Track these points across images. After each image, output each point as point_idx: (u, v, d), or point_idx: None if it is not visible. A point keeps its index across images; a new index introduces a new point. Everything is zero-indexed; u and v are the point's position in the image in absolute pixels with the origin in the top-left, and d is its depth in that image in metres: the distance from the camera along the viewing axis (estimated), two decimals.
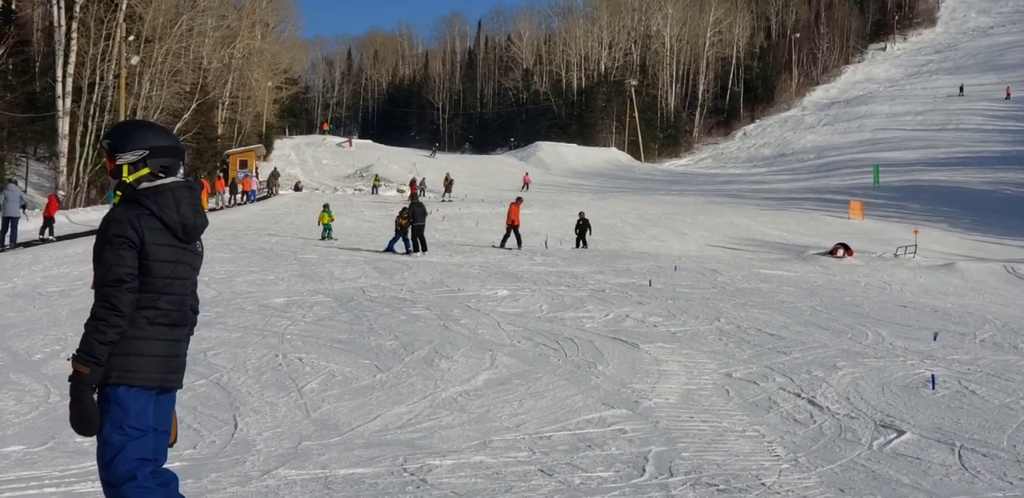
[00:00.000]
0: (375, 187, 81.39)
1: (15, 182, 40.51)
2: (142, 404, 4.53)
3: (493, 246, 37.69)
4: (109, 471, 4.50)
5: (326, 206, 39.86)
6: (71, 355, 4.50)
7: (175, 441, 5.09)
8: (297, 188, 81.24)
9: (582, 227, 42.00)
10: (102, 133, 56.96)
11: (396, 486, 8.39)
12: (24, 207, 32.93)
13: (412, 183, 73.28)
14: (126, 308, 4.39)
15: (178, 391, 10.65)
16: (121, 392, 4.48)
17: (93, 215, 40.84)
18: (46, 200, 37.72)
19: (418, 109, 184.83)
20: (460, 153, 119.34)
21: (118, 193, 4.69)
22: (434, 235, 39.30)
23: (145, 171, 4.66)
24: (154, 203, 4.56)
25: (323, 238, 37.36)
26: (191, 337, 5.05)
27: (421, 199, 67.28)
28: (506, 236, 37.86)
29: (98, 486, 8.01)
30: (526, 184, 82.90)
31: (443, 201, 68.89)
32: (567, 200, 69.35)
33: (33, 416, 10.54)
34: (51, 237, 33.63)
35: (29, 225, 34.80)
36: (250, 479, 8.48)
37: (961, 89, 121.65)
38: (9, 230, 31.31)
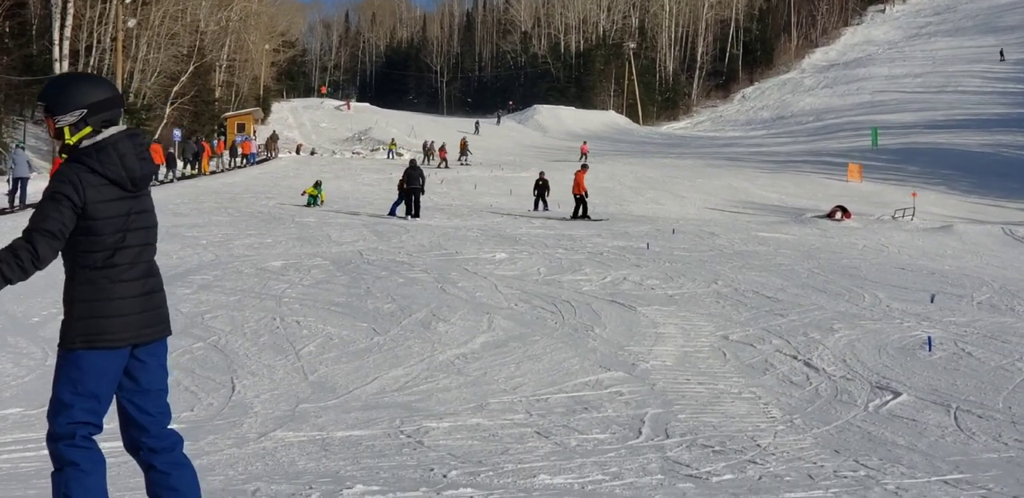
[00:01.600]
0: (391, 151, 79.11)
1: (23, 146, 40.64)
2: (105, 366, 4.48)
3: (565, 219, 35.10)
4: (51, 427, 4.50)
5: (318, 184, 37.87)
6: None
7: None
8: (298, 151, 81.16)
9: (541, 187, 40.56)
10: None
11: (393, 448, 8.42)
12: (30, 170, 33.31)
13: (441, 148, 70.50)
14: (44, 258, 4.30)
15: (175, 353, 10.68)
16: (82, 354, 4.44)
17: None
18: (51, 164, 38.00)
19: (416, 72, 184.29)
20: (497, 118, 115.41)
21: (62, 155, 4.59)
22: (432, 199, 39.26)
23: (87, 130, 4.52)
24: (97, 161, 4.43)
25: (309, 205, 36.27)
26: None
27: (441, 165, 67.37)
28: (577, 206, 35.76)
29: None
30: (584, 154, 76.48)
31: (461, 165, 68.53)
32: (566, 164, 69.23)
33: (31, 379, 10.56)
34: None
35: (37, 186, 34.92)
36: (247, 441, 8.51)
37: (1001, 53, 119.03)
38: (19, 190, 31.68)
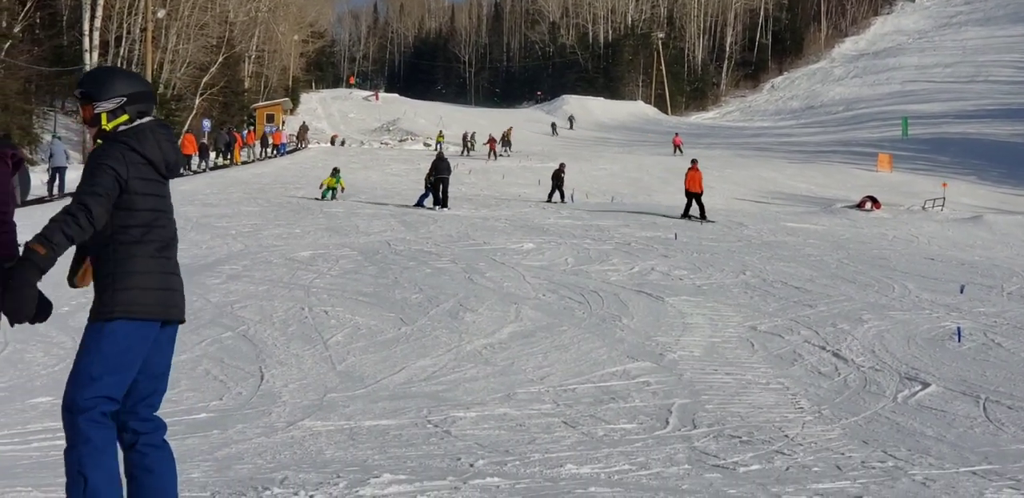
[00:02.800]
0: (439, 144, 75.22)
1: (60, 137, 41.08)
2: (139, 338, 4.52)
3: (681, 217, 31.95)
4: (72, 397, 4.50)
5: (336, 172, 35.85)
6: (27, 241, 4.44)
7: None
8: (333, 142, 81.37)
9: (559, 178, 39.04)
10: None
11: (420, 437, 8.44)
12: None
13: (491, 140, 69.33)
14: (98, 217, 4.39)
15: (204, 342, 10.75)
16: (119, 326, 4.47)
17: None
18: (82, 155, 38.51)
19: (444, 62, 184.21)
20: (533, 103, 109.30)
21: (98, 141, 4.69)
22: (460, 189, 39.25)
23: (124, 117, 4.67)
24: (136, 141, 4.58)
25: (323, 197, 34.33)
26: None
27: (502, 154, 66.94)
28: (689, 204, 32.42)
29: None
30: (677, 147, 72.50)
31: (503, 155, 68.17)
32: (594, 154, 69.13)
33: (60, 368, 10.61)
34: None
35: (73, 175, 35.39)
36: (276, 430, 8.55)
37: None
38: (57, 180, 32.23)
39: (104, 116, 4.66)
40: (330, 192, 34.61)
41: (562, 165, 40.31)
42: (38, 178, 31.60)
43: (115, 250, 4.54)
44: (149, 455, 4.67)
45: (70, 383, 4.56)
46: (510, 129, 77.50)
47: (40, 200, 29.63)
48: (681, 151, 67.37)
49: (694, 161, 34.91)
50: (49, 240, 4.35)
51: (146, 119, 4.76)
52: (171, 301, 4.68)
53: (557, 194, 38.39)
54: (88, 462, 4.45)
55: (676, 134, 78.30)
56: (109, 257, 4.55)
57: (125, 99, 4.68)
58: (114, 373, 4.50)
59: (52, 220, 4.41)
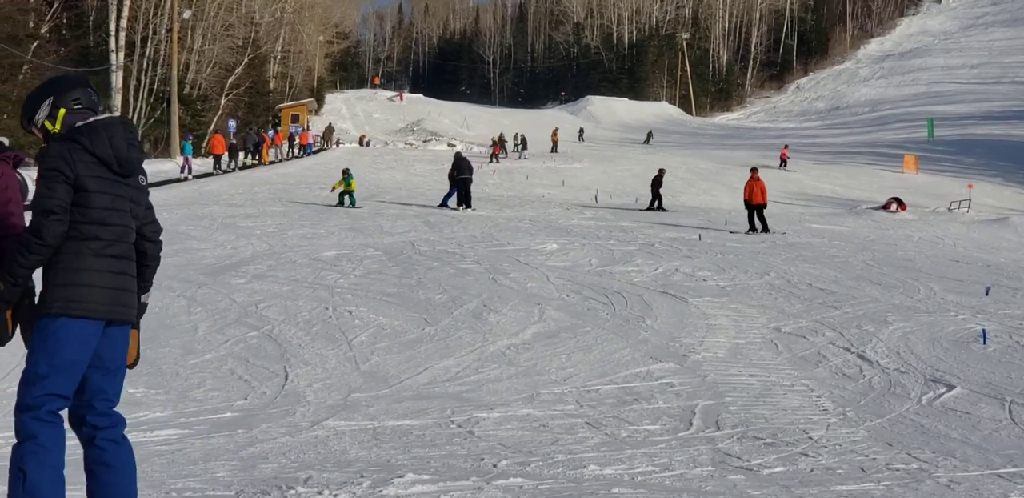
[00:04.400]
0: (517, 147, 73.59)
1: None
2: (82, 336, 4.53)
3: (745, 233, 29.17)
4: (21, 395, 4.52)
5: (346, 173, 32.51)
6: None
7: (135, 363, 5.06)
8: (361, 142, 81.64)
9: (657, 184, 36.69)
10: (155, 87, 57.33)
11: (444, 437, 8.45)
12: None
13: (495, 144, 68.54)
14: (51, 238, 4.42)
15: (229, 342, 10.77)
16: (60, 323, 4.48)
17: (151, 167, 40.98)
18: None
19: (469, 63, 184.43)
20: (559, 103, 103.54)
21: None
22: (484, 189, 39.30)
23: (62, 111, 4.69)
24: (87, 139, 4.58)
25: (340, 203, 31.52)
26: (154, 267, 4.99)
27: (522, 156, 66.48)
28: (750, 216, 29.77)
29: (144, 436, 8.15)
30: (783, 161, 62.66)
31: (523, 158, 67.92)
32: (618, 154, 69.09)
33: None
34: None
35: None
36: (300, 429, 8.57)
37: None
38: None
39: (47, 124, 4.69)
40: (346, 197, 31.81)
41: (661, 171, 38.12)
42: None
43: (63, 246, 4.54)
44: (108, 450, 4.68)
45: (21, 381, 4.58)
46: (556, 130, 77.53)
47: None
48: (786, 165, 60.15)
49: (754, 169, 32.08)
50: (8, 275, 4.43)
51: (103, 116, 4.75)
52: (117, 301, 4.64)
53: (657, 202, 36.34)
54: (30, 459, 4.44)
55: (785, 145, 66.35)
56: (58, 252, 4.55)
57: (51, 97, 4.71)
58: (60, 371, 4.51)
59: (13, 250, 4.46)
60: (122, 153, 4.68)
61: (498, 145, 66.38)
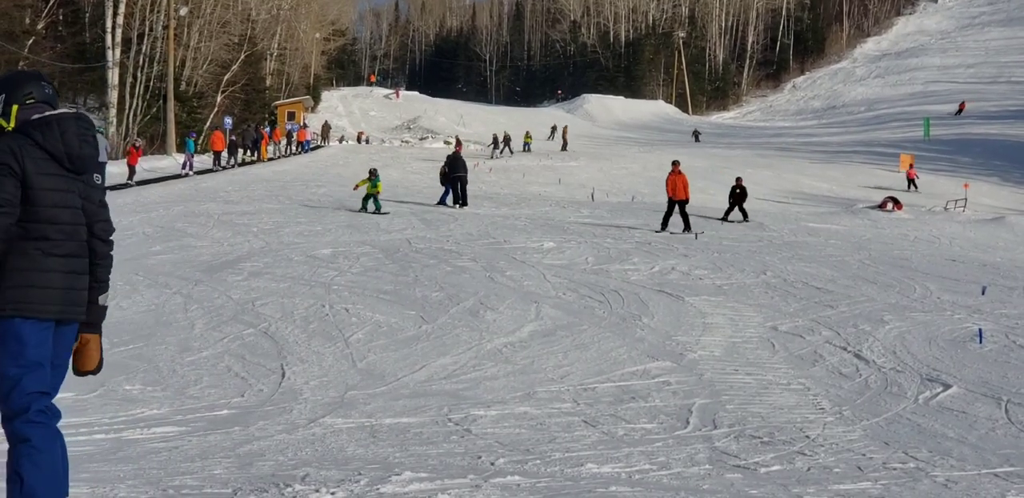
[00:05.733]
0: (526, 145, 72.48)
1: (103, 132, 41.53)
2: (40, 336, 4.50)
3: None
4: (6, 404, 4.48)
5: (373, 173, 29.77)
6: None
7: (99, 368, 5.04)
8: (359, 139, 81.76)
9: (739, 196, 32.50)
10: (151, 84, 57.25)
11: (441, 435, 8.46)
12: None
13: (458, 142, 68.27)
14: (5, 230, 4.37)
15: (225, 339, 10.77)
16: (17, 324, 4.44)
17: (148, 164, 40.94)
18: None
19: (465, 61, 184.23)
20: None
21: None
22: (480, 187, 39.29)
23: (15, 107, 4.62)
24: (39, 133, 4.51)
25: (363, 208, 28.77)
26: (107, 266, 4.92)
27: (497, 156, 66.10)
28: (669, 214, 27.68)
29: (141, 433, 8.15)
30: (911, 181, 53.06)
31: (500, 157, 67.91)
32: (614, 152, 69.04)
33: None
34: (131, 182, 35.68)
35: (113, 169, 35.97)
36: (297, 427, 8.57)
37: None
38: None
39: (1, 121, 4.63)
40: (370, 201, 28.85)
41: (739, 180, 33.54)
42: None
43: (13, 246, 4.49)
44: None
45: None
46: (565, 128, 77.49)
47: None
48: (916, 186, 52.26)
49: (675, 163, 29.74)
50: None
51: (59, 110, 4.69)
52: (69, 301, 4.60)
53: (737, 212, 32.24)
54: (25, 462, 4.39)
55: (911, 166, 55.89)
56: (8, 252, 4.50)
57: (3, 95, 4.64)
58: (31, 369, 4.47)
59: None
60: (74, 149, 4.59)
61: (460, 144, 65.11)
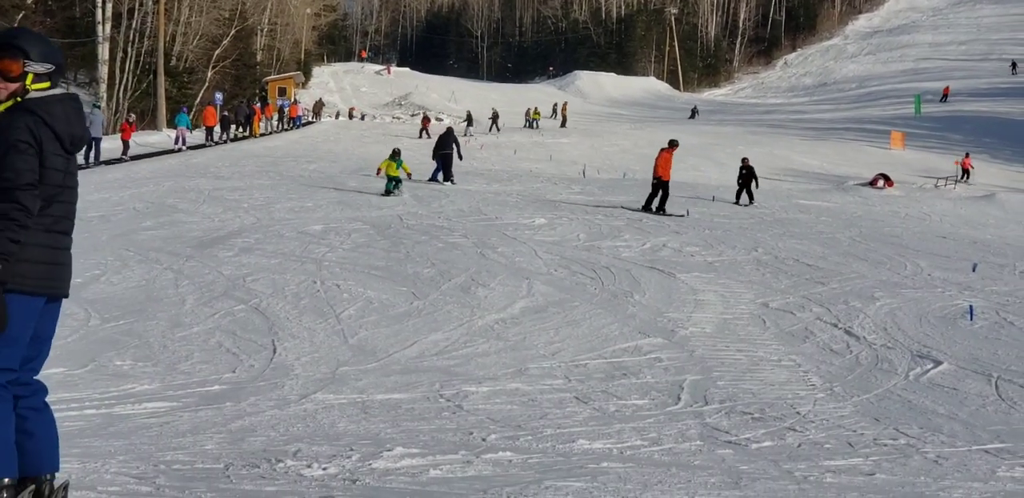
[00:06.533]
0: (534, 121, 72.21)
1: (100, 106, 41.45)
2: (28, 311, 4.50)
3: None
4: None
5: (396, 153, 28.28)
6: None
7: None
8: (351, 115, 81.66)
9: (746, 176, 30.91)
10: (142, 59, 57.06)
11: (432, 411, 8.46)
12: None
13: (425, 118, 67.29)
14: (35, 211, 4.38)
15: (216, 315, 10.76)
16: (8, 298, 4.45)
17: (139, 139, 40.79)
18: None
19: (456, 37, 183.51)
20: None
21: (17, 99, 4.59)
22: (472, 164, 39.21)
23: (46, 85, 4.61)
24: (47, 113, 4.51)
25: (388, 193, 26.58)
26: None
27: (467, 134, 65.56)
28: (655, 195, 26.13)
29: (133, 409, 8.15)
30: (966, 171, 48.76)
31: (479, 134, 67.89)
32: (605, 129, 68.99)
33: (74, 339, 10.66)
34: (125, 157, 35.74)
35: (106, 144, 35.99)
36: (289, 403, 8.57)
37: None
38: (92, 149, 32.85)
39: (31, 76, 4.60)
40: (394, 183, 26.84)
41: (744, 160, 32.18)
42: None
43: None
44: (29, 418, 4.64)
45: None
46: (565, 104, 77.39)
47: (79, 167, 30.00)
48: (968, 176, 48.55)
49: (672, 142, 28.12)
50: (2, 253, 4.34)
51: (57, 90, 4.68)
52: (60, 276, 4.62)
53: (745, 196, 30.67)
54: None
55: (966, 154, 50.92)
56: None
57: (55, 68, 4.63)
58: (7, 345, 4.48)
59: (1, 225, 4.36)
60: (77, 131, 4.62)
61: (428, 120, 64.56)
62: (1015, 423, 8.77)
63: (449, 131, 34.22)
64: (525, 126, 70.76)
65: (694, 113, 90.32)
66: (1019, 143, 62.42)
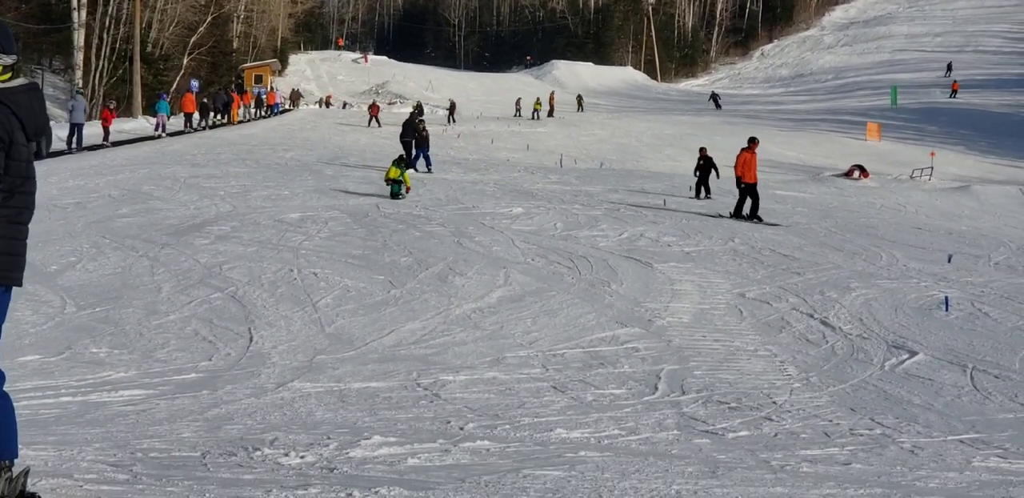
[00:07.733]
0: (535, 112, 71.93)
1: (82, 93, 41.29)
2: (2, 301, 4.50)
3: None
4: None
5: (400, 159, 26.14)
6: None
7: None
8: (326, 103, 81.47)
9: (703, 168, 29.02)
10: (117, 45, 56.80)
11: (410, 400, 8.46)
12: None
13: (373, 105, 67.20)
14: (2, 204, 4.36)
15: (192, 303, 10.73)
16: None
17: (116, 125, 40.55)
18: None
19: (434, 26, 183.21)
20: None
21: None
22: (448, 152, 39.18)
23: (7, 76, 4.58)
24: (14, 103, 4.49)
25: (395, 195, 24.36)
26: None
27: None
28: (741, 200, 24.22)
29: (109, 396, 8.12)
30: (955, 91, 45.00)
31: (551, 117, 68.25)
32: (582, 119, 68.99)
33: (49, 326, 10.62)
34: (106, 143, 35.76)
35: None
36: (265, 391, 8.56)
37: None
38: (75, 135, 33.07)
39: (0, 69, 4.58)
40: (398, 187, 25.00)
41: (702, 150, 30.13)
42: (56, 134, 31.95)
43: None
44: None
45: None
46: (552, 94, 77.41)
47: (60, 153, 30.14)
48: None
49: (752, 140, 26.11)
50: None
51: (20, 81, 4.64)
52: (20, 266, 4.62)
53: (704, 188, 29.05)
54: None
55: (955, 81, 44.20)
56: None
57: (17, 59, 4.62)
58: None
59: None
60: (41, 121, 4.61)
61: (377, 107, 64.39)
62: (990, 413, 8.82)
63: (411, 117, 34.19)
64: (517, 115, 71.11)
65: (716, 101, 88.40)
66: (994, 134, 62.64)
